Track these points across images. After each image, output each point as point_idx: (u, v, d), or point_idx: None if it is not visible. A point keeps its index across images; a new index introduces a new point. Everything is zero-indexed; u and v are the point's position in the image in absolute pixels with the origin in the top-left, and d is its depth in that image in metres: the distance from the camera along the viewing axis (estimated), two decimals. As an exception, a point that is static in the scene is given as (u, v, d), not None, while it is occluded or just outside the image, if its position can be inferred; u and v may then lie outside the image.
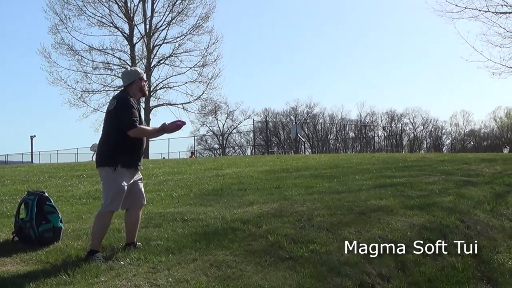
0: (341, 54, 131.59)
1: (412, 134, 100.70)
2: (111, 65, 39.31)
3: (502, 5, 21.17)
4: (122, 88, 6.43)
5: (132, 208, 6.28)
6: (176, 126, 6.09)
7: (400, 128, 75.08)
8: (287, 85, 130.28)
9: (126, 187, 6.00)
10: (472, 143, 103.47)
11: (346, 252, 6.42)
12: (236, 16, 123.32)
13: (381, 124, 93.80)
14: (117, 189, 5.95)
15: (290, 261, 5.99)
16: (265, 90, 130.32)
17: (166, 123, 6.13)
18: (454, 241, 7.45)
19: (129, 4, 39.20)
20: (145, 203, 6.46)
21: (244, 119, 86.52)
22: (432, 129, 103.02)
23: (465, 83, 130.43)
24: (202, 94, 40.64)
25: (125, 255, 5.89)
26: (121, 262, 5.66)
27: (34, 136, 55.94)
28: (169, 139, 49.15)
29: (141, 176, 6.42)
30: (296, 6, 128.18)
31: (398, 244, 6.85)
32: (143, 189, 6.41)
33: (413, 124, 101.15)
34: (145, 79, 6.52)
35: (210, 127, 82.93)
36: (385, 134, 79.69)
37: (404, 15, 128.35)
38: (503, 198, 10.28)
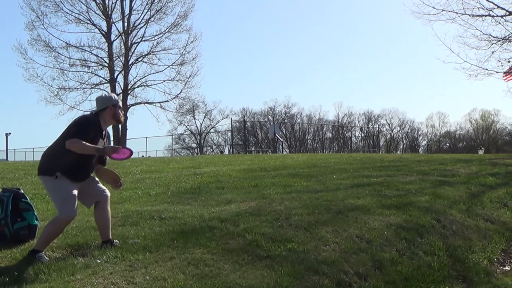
0: (319, 55, 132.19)
1: (389, 135, 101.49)
2: (88, 62, 38.82)
3: (478, 8, 21.48)
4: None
5: (98, 204, 6.17)
6: (119, 152, 5.83)
7: (377, 129, 75.64)
8: (265, 85, 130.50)
9: (74, 191, 5.79)
10: (447, 144, 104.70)
11: (323, 251, 6.44)
12: (216, 15, 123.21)
13: (358, 125, 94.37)
14: (63, 195, 5.73)
15: (268, 260, 5.99)
16: (243, 89, 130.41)
17: (109, 146, 5.94)
18: (430, 241, 7.56)
19: (107, 2, 38.80)
20: (109, 194, 6.28)
21: (222, 119, 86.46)
22: (409, 130, 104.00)
23: (442, 85, 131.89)
24: (180, 93, 40.36)
25: (101, 253, 5.83)
26: (98, 260, 5.61)
27: (9, 133, 55.08)
28: (146, 137, 48.91)
29: (93, 177, 6.26)
30: (275, 6, 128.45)
31: (374, 243, 6.91)
32: (100, 184, 6.25)
33: (390, 125, 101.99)
34: (121, 106, 6.27)
35: (188, 126, 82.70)
36: (362, 135, 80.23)
37: (383, 17, 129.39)
38: (478, 198, 10.43)
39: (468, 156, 19.54)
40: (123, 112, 6.38)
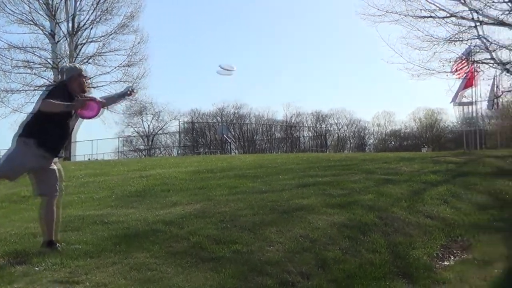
0: (267, 55, 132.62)
1: (337, 134, 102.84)
2: (31, 63, 37.91)
3: (421, 10, 21.99)
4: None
5: (45, 198, 6.14)
6: (87, 108, 5.98)
7: (325, 128, 76.54)
8: (214, 85, 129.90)
9: (27, 165, 5.95)
10: (393, 142, 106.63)
11: (268, 251, 6.49)
12: (166, 15, 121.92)
13: (307, 125, 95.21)
14: (15, 160, 5.91)
15: (212, 262, 5.99)
16: (192, 90, 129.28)
17: (78, 99, 5.99)
18: (373, 238, 7.71)
19: (50, 1, 37.97)
20: (57, 194, 6.22)
21: (171, 120, 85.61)
22: (356, 129, 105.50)
23: (388, 84, 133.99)
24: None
25: (40, 260, 5.69)
26: (37, 268, 5.47)
27: None
28: (92, 140, 48.01)
29: (60, 167, 6.29)
30: (223, 7, 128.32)
31: (319, 242, 7.00)
32: (59, 181, 6.23)
33: (338, 125, 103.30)
34: (85, 75, 6.43)
35: (136, 128, 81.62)
36: (311, 135, 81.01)
37: (330, 17, 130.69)
38: (419, 195, 10.69)
39: (411, 155, 19.98)
40: (88, 82, 6.51)
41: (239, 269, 5.88)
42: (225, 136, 49.00)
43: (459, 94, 27.15)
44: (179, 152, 55.51)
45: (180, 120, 66.80)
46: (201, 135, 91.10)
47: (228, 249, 6.38)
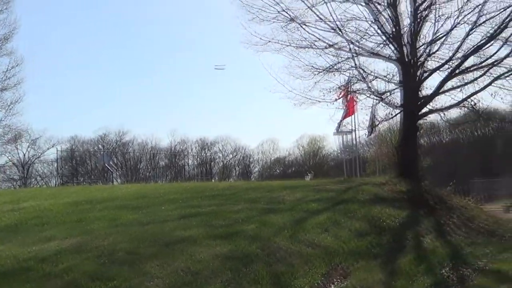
0: (151, 81, 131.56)
1: (222, 162, 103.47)
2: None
3: (302, 40, 22.81)
4: None
5: None
6: None
7: (211, 156, 76.83)
8: (95, 112, 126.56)
9: None
10: (278, 170, 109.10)
11: (147, 287, 6.36)
12: (43, 37, 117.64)
13: (192, 152, 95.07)
14: None
15: (88, 301, 5.79)
16: (72, 117, 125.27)
17: None
18: (255, 269, 7.79)
19: None
20: None
21: (48, 148, 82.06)
22: (241, 157, 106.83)
23: (273, 112, 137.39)
24: (0, 121, 37.91)
25: None
26: None
27: None
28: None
29: None
30: (105, 31, 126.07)
31: (200, 276, 6.97)
32: None
33: (223, 152, 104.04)
34: None
35: (10, 157, 77.46)
36: (196, 163, 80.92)
37: (215, 44, 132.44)
38: (301, 224, 10.97)
39: (294, 183, 20.45)
40: None
41: (117, 307, 5.72)
42: (106, 164, 47.70)
43: (342, 123, 28.37)
44: (57, 182, 53.32)
45: (58, 147, 64.35)
46: (82, 163, 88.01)
47: (105, 286, 6.20)
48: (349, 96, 25.79)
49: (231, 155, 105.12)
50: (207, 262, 7.54)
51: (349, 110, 27.70)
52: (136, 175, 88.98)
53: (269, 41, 22.92)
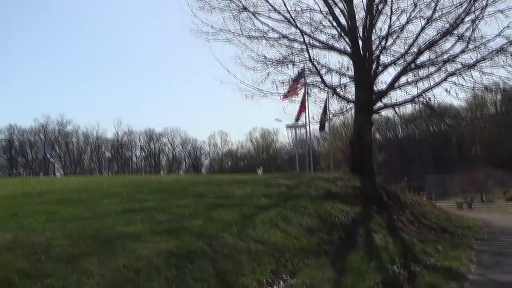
0: (95, 69, 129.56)
1: (171, 154, 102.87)
2: None
3: (254, 30, 22.83)
4: None
5: None
6: None
7: (159, 148, 76.34)
8: (35, 99, 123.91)
9: None
10: (229, 163, 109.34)
11: (86, 284, 6.24)
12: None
13: (139, 144, 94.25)
14: None
15: (20, 300, 5.64)
16: (10, 104, 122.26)
17: None
18: (201, 266, 7.75)
19: None
20: None
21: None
22: (191, 149, 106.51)
23: (224, 104, 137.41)
24: None
25: None
26: None
27: None
28: None
29: None
30: (47, 16, 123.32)
31: (143, 273, 6.89)
32: None
33: (172, 144, 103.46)
34: None
35: None
36: (144, 154, 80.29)
37: (162, 34, 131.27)
38: (251, 220, 10.99)
39: (244, 178, 20.49)
40: None
41: (52, 306, 5.59)
42: (48, 155, 46.77)
43: (300, 116, 28.55)
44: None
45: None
46: (21, 154, 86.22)
47: (40, 284, 6.05)
48: (301, 89, 25.98)
49: (180, 147, 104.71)
50: (150, 258, 7.44)
51: (304, 104, 27.89)
52: (80, 167, 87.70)
53: (220, 30, 22.91)
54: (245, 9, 22.53)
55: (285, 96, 25.22)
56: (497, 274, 11.59)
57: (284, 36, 23.06)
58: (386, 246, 13.18)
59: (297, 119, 28.98)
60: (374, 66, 23.50)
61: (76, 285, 6.19)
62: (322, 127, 30.78)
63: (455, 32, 21.64)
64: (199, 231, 9.25)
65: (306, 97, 26.77)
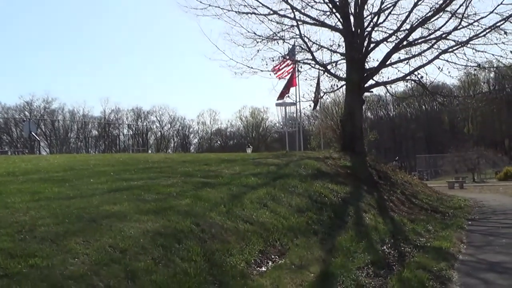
0: (81, 46, 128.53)
1: (159, 133, 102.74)
2: None
3: (244, 5, 22.74)
4: None
5: None
6: None
7: (147, 126, 76.17)
8: (21, 76, 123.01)
9: None
10: (219, 142, 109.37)
11: (71, 264, 6.24)
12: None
13: (126, 122, 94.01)
14: None
15: (5, 279, 5.64)
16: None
17: None
18: (188, 246, 7.78)
19: None
20: None
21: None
22: (180, 127, 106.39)
23: (213, 81, 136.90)
24: None
25: None
26: None
27: None
28: None
29: None
30: None
31: (129, 252, 6.90)
32: None
33: (161, 122, 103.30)
34: None
35: None
36: (131, 133, 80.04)
37: (150, 9, 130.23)
38: (239, 199, 11.02)
39: (233, 156, 20.49)
40: None
41: (37, 286, 5.60)
42: (33, 133, 46.47)
43: (285, 93, 28.53)
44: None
45: (-22, 114, 62.38)
46: (6, 131, 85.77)
47: (25, 264, 6.03)
48: (292, 66, 25.95)
49: (168, 125, 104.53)
50: (137, 238, 7.45)
51: (293, 81, 27.88)
52: (66, 145, 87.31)
53: (209, 5, 22.84)
54: (234, -17, 22.43)
55: (276, 72, 25.21)
56: (488, 254, 11.72)
57: (274, 12, 23.00)
58: (376, 226, 13.29)
59: (281, 97, 28.93)
60: (365, 43, 23.51)
61: (61, 265, 6.19)
62: (315, 105, 30.82)
63: (448, 8, 21.66)
64: (187, 210, 9.27)
65: (296, 75, 26.77)
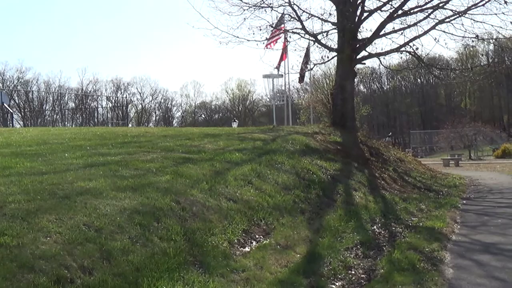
0: (56, 13, 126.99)
1: (140, 106, 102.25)
2: None
3: (229, -31, 22.48)
4: None
5: None
6: None
7: (127, 98, 75.78)
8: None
9: None
10: (203, 115, 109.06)
11: (43, 243, 6.22)
12: None
13: (105, 94, 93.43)
14: None
15: (-28, 259, 5.61)
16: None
17: None
18: (168, 225, 7.77)
19: None
20: None
21: None
22: (162, 100, 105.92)
23: (197, 52, 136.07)
24: None
25: None
26: None
27: None
28: None
29: None
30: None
31: (105, 231, 6.89)
32: None
33: (141, 95, 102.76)
34: None
35: None
36: (110, 105, 79.63)
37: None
38: (222, 176, 11.00)
39: (217, 131, 20.43)
40: None
41: (6, 266, 5.58)
42: (5, 105, 46.09)
43: (280, 64, 28.38)
44: None
45: None
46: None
47: (-7, 243, 6.01)
48: (280, 35, 25.81)
49: (150, 98, 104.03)
50: (113, 216, 7.43)
51: (283, 53, 27.76)
52: (41, 118, 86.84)
53: (193, -31, 22.51)
54: None
55: (268, 43, 25.10)
56: (482, 234, 11.78)
57: (263, -23, 22.78)
58: (366, 205, 13.33)
59: (278, 67, 28.84)
60: (358, 12, 23.35)
61: (32, 244, 6.16)
62: (302, 79, 30.67)
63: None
64: (166, 187, 9.24)
65: (286, 44, 26.64)
